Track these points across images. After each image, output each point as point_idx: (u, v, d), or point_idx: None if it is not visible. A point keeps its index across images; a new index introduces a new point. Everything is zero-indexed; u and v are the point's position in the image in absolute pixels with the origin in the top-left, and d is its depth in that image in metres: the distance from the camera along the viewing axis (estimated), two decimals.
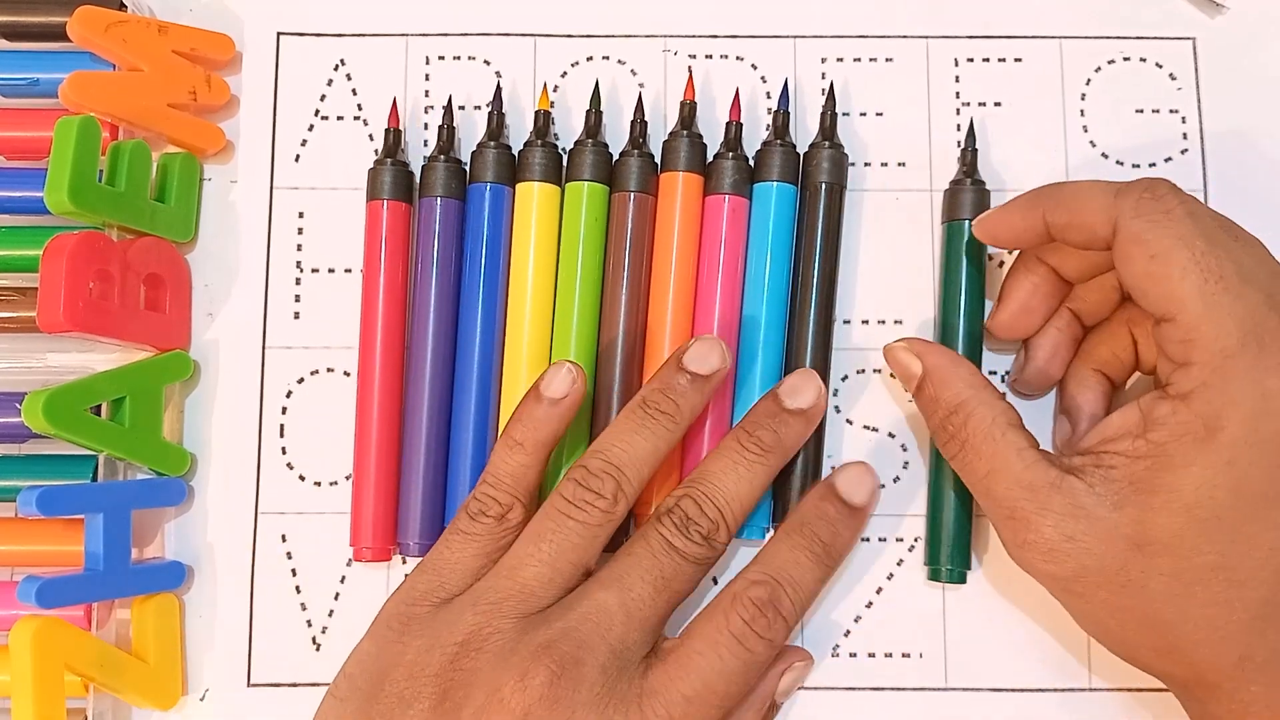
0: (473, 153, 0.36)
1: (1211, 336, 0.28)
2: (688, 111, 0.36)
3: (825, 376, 0.35)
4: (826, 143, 0.36)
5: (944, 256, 0.36)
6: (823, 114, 0.37)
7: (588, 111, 0.37)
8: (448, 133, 0.37)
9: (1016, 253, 0.37)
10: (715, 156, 0.36)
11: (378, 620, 0.31)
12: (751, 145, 0.37)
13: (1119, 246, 0.30)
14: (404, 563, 0.36)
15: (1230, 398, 0.28)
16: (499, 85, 0.38)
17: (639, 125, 0.36)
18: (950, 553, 0.35)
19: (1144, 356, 0.34)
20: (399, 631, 0.30)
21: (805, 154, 0.36)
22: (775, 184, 0.35)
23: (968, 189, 0.36)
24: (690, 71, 0.38)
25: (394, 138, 0.37)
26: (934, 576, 0.35)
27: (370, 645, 0.31)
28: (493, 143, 0.36)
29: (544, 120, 0.37)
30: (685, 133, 0.36)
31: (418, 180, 0.37)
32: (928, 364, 0.33)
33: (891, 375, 0.37)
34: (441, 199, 0.36)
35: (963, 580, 0.35)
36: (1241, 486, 0.28)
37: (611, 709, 0.28)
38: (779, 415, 0.32)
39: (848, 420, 0.37)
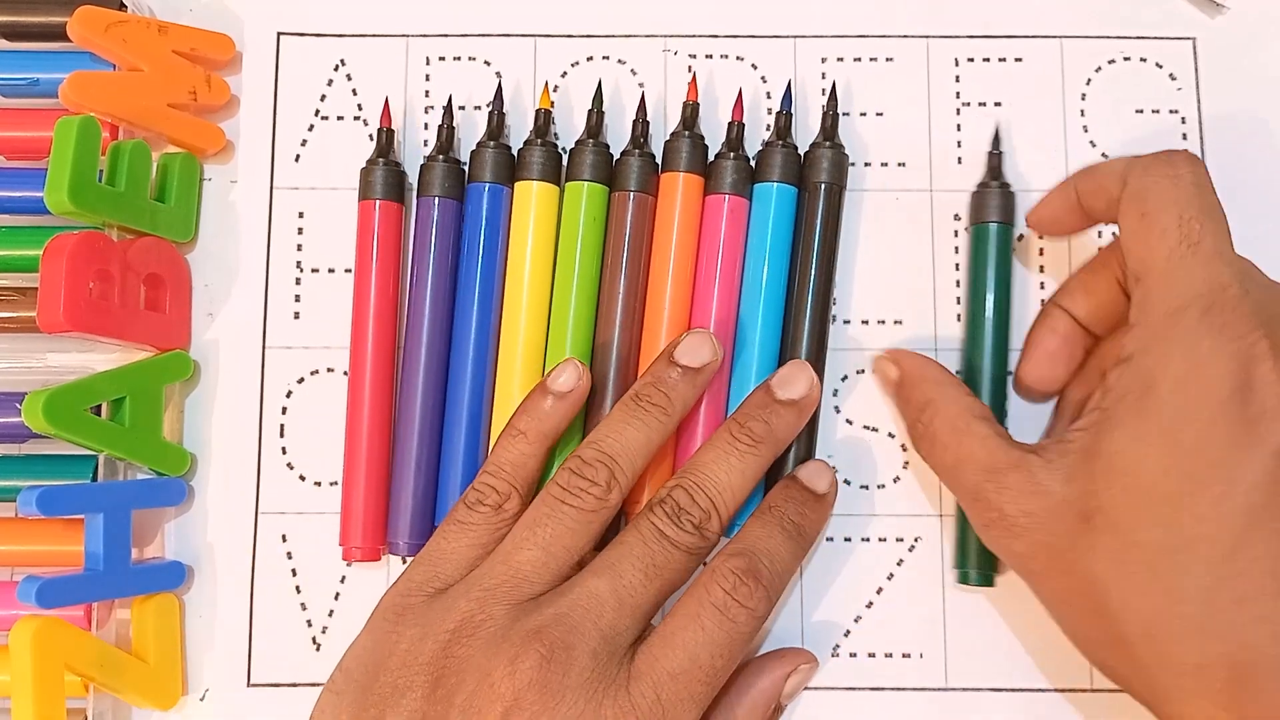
0: (472, 152, 0.36)
1: (1162, 296, 0.27)
2: (690, 112, 0.36)
3: (820, 373, 0.35)
4: (827, 143, 0.36)
5: (971, 258, 0.36)
6: (824, 114, 0.36)
7: (590, 111, 0.37)
8: (447, 132, 0.37)
9: (1012, 252, 0.37)
10: (716, 156, 0.36)
11: (374, 614, 0.31)
12: (749, 145, 0.37)
13: (1121, 204, 0.29)
14: (404, 561, 0.36)
15: (1163, 357, 0.27)
16: (499, 85, 0.38)
17: (641, 125, 0.36)
18: (978, 555, 0.35)
19: None
20: (393, 622, 0.30)
21: (805, 153, 0.36)
22: (776, 185, 0.35)
23: (994, 191, 0.36)
24: (693, 72, 0.38)
25: (386, 137, 0.37)
26: (963, 579, 0.35)
27: (366, 639, 0.31)
28: (492, 142, 0.36)
29: (544, 119, 0.37)
30: (687, 133, 0.36)
31: (414, 180, 0.37)
32: (903, 368, 0.34)
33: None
34: (439, 199, 0.36)
35: (990, 583, 0.35)
36: (1176, 453, 0.26)
37: (600, 693, 0.28)
38: (770, 406, 0.33)
39: (847, 420, 0.37)
